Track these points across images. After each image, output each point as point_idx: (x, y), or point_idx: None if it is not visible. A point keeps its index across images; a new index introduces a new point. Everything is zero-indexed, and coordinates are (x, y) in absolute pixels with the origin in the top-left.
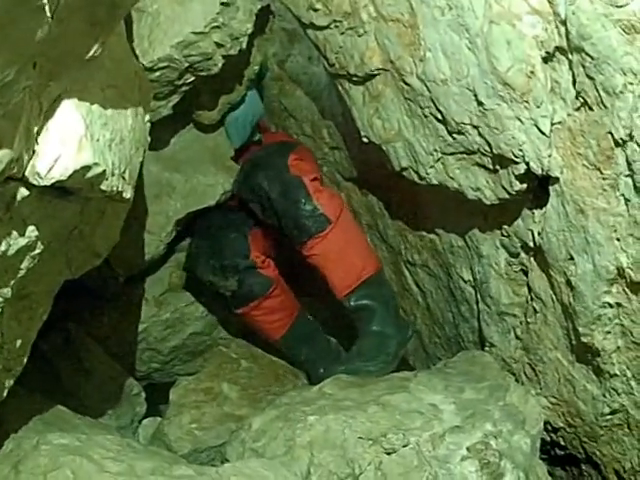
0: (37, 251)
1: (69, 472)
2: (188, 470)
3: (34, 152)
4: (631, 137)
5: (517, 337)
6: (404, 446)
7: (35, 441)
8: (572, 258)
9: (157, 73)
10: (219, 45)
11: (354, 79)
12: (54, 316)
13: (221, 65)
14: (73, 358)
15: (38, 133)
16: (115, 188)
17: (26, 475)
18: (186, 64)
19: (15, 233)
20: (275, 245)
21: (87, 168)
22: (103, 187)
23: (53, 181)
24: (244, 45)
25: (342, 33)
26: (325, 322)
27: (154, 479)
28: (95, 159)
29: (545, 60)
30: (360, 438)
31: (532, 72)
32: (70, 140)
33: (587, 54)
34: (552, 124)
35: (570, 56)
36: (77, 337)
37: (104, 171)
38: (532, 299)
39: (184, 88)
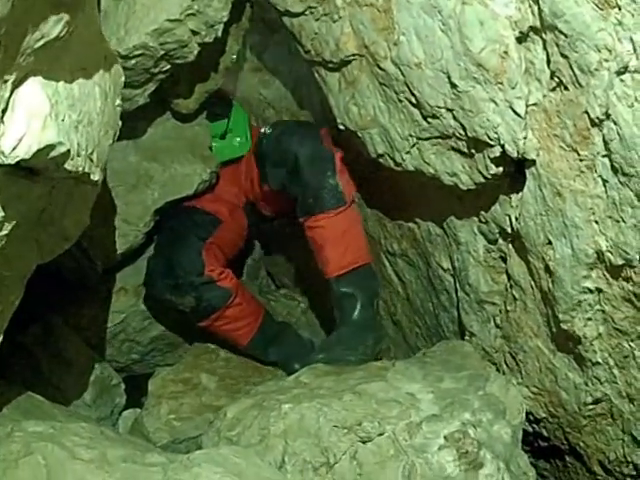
0: (4, 232)
1: (41, 458)
2: (160, 457)
3: None
4: (607, 116)
5: (497, 326)
6: (380, 435)
7: (9, 428)
8: (550, 243)
9: (133, 61)
10: (194, 33)
11: (330, 65)
12: (34, 307)
13: (197, 53)
14: (53, 349)
15: (3, 112)
16: (81, 169)
17: None
18: (161, 52)
19: None
20: (235, 250)
21: (51, 147)
22: (68, 167)
23: (17, 159)
24: (219, 33)
25: (317, 19)
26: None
27: (125, 466)
28: (59, 138)
29: (519, 40)
30: (335, 427)
31: (506, 53)
32: (35, 119)
33: (561, 32)
34: (527, 105)
35: (544, 35)
36: (57, 328)
37: (68, 151)
38: (511, 286)
39: (160, 76)
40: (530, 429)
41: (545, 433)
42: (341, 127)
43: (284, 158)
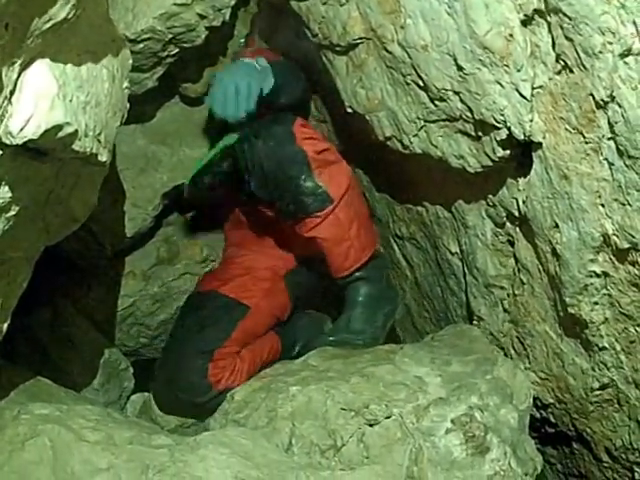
0: (12, 213)
1: (47, 440)
2: (167, 439)
3: (7, 112)
4: (612, 98)
5: (505, 310)
6: (387, 417)
7: (16, 411)
8: (557, 226)
9: (141, 45)
10: (202, 17)
11: (337, 49)
12: (42, 291)
13: (204, 37)
14: (61, 333)
15: (12, 93)
16: (89, 149)
17: (4, 443)
18: (169, 35)
19: None
20: (267, 329)
21: (59, 127)
22: (76, 147)
23: (25, 140)
24: (227, 17)
25: (324, 3)
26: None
27: (132, 448)
28: (67, 119)
29: (524, 23)
30: (342, 409)
31: (511, 35)
32: (42, 100)
33: (565, 15)
34: (533, 88)
35: (549, 18)
36: (65, 312)
37: (76, 131)
38: (519, 270)
39: (168, 60)
40: (538, 415)
41: (552, 419)
42: (349, 110)
43: (255, 167)
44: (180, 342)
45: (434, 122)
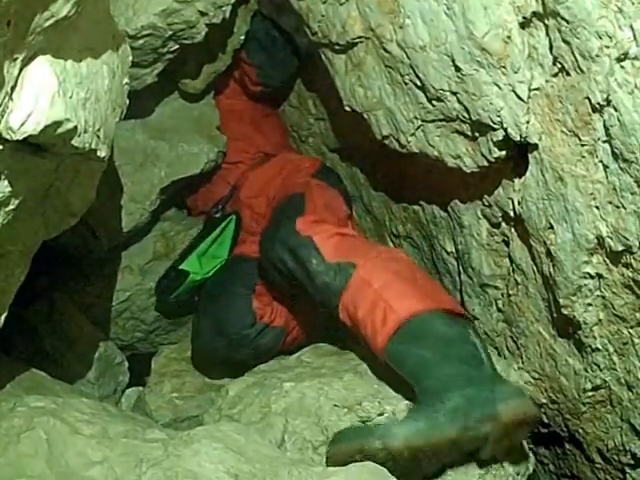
0: (11, 207)
1: (42, 433)
2: (161, 434)
3: (8, 108)
4: (608, 102)
5: (499, 310)
6: (380, 414)
7: (12, 404)
8: (552, 227)
9: (141, 41)
10: (202, 14)
11: (336, 47)
12: (38, 284)
13: (205, 34)
14: (57, 326)
15: (12, 89)
16: (88, 145)
17: (0, 436)
18: (170, 32)
19: None
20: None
21: (59, 123)
22: (76, 143)
23: (25, 135)
24: (227, 14)
25: (324, 2)
26: None
27: (126, 442)
28: (67, 115)
29: (522, 26)
30: (335, 406)
31: (509, 37)
32: (43, 96)
33: (562, 18)
34: (530, 90)
35: (546, 21)
36: (61, 305)
37: (76, 127)
38: (513, 270)
39: (168, 56)
40: None
41: (545, 419)
42: (347, 108)
43: (279, 271)
44: (220, 286)
45: (431, 122)
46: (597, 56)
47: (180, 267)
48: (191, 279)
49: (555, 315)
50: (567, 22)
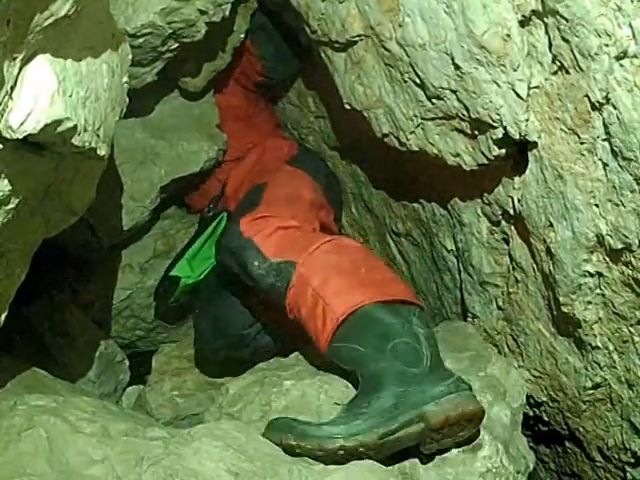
0: (11, 206)
1: (43, 432)
2: (161, 432)
3: (8, 107)
4: (607, 100)
5: (499, 308)
6: None
7: (13, 402)
8: (552, 225)
9: (141, 39)
10: (202, 12)
11: (336, 46)
12: (39, 283)
13: (204, 32)
14: (57, 325)
15: (12, 88)
16: (88, 144)
17: (1, 434)
18: (169, 30)
19: None
20: None
21: (59, 122)
22: (75, 142)
23: (25, 134)
24: (227, 12)
25: (323, 0)
26: None
27: (127, 440)
28: (67, 114)
29: (521, 24)
30: (336, 404)
31: (508, 35)
32: (43, 95)
33: (562, 16)
34: (529, 88)
35: (546, 19)
36: (62, 304)
37: (75, 126)
38: (514, 268)
39: (168, 55)
40: (531, 413)
41: (545, 417)
42: (347, 106)
43: (233, 279)
44: (217, 285)
45: (431, 120)
46: (596, 54)
47: (171, 274)
48: (183, 283)
49: (555, 313)
50: (566, 20)
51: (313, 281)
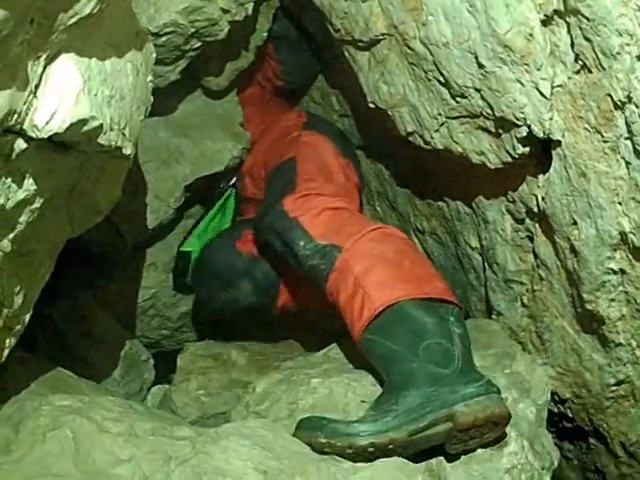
0: (36, 205)
1: (69, 432)
2: (188, 431)
3: (32, 106)
4: (629, 99)
5: (524, 305)
6: None
7: (37, 403)
8: (575, 223)
9: (163, 38)
10: (225, 11)
11: (359, 44)
12: (62, 284)
13: (227, 31)
14: (81, 325)
15: (37, 87)
16: (114, 143)
17: (25, 435)
18: (192, 29)
19: (14, 186)
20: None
21: (84, 121)
22: (101, 141)
23: (51, 133)
24: (250, 11)
25: None
26: None
27: (154, 439)
28: (92, 113)
29: (544, 23)
30: (363, 402)
31: (531, 35)
32: (68, 94)
33: (583, 16)
34: (553, 87)
35: (568, 19)
36: (85, 304)
37: (101, 125)
38: (538, 266)
39: (191, 53)
40: (555, 409)
41: (570, 414)
42: (371, 105)
43: (274, 255)
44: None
45: (455, 118)
46: (618, 54)
47: (180, 249)
48: (194, 258)
49: (579, 310)
50: (588, 20)
51: (356, 268)
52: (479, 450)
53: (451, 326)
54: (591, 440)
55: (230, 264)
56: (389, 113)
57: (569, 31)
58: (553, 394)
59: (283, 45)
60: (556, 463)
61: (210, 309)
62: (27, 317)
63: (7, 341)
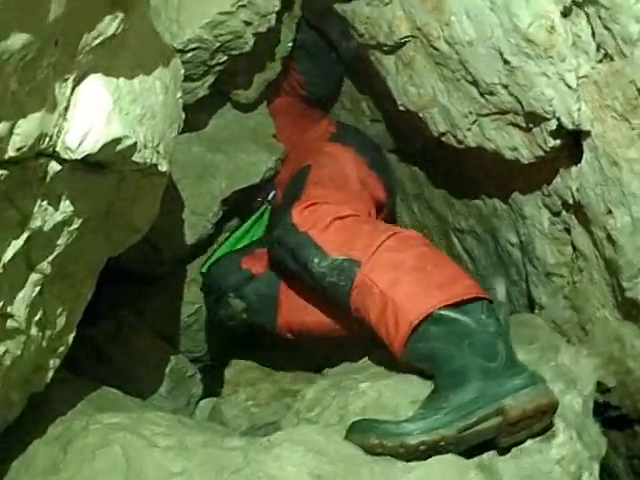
0: (74, 226)
1: (119, 448)
2: (240, 441)
3: (63, 128)
4: None
5: (565, 297)
6: None
7: (85, 422)
8: (610, 212)
9: (189, 54)
10: (247, 23)
11: (385, 48)
12: (104, 304)
13: (252, 43)
14: (125, 344)
15: (66, 109)
16: (149, 160)
17: (74, 454)
18: (217, 44)
19: (51, 209)
20: None
21: (117, 140)
22: (136, 159)
23: (84, 154)
24: (273, 22)
25: (368, 4)
26: None
27: (205, 451)
28: (125, 132)
29: (564, 15)
30: (412, 402)
31: (552, 27)
32: (99, 114)
33: (601, 5)
34: (578, 78)
35: (586, 9)
36: (128, 323)
37: (135, 143)
38: (577, 257)
39: (218, 68)
40: (600, 399)
41: (615, 402)
42: (401, 108)
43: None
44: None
45: (486, 116)
46: (637, 40)
47: (201, 270)
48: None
49: (619, 299)
50: (606, 8)
51: (380, 283)
52: (528, 442)
53: (488, 321)
54: (637, 427)
55: (224, 279)
56: (420, 115)
57: (589, 21)
58: (598, 384)
59: (302, 55)
60: (604, 452)
61: (213, 323)
62: (70, 338)
63: (51, 362)
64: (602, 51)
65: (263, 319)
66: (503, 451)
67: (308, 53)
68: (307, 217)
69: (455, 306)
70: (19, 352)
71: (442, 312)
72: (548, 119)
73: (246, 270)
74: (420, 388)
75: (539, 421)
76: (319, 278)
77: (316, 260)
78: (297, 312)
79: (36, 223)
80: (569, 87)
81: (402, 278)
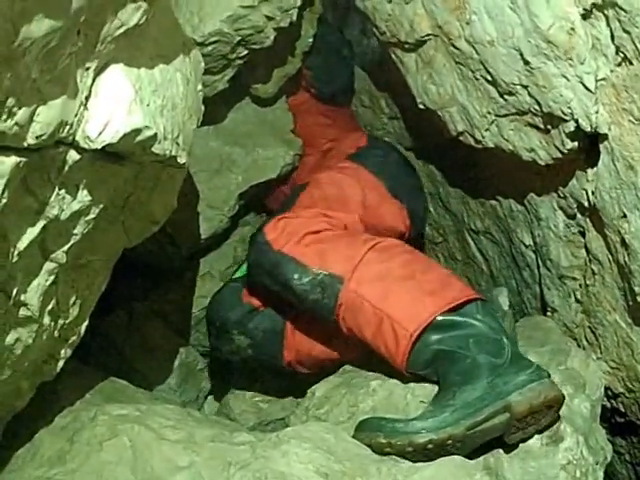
0: (91, 216)
1: (126, 440)
2: (248, 436)
3: (84, 117)
4: None
5: (577, 301)
6: None
7: (93, 413)
8: (625, 216)
9: (209, 47)
10: (269, 18)
11: (405, 46)
12: (117, 295)
13: (273, 38)
14: (136, 336)
15: (87, 98)
16: (168, 152)
17: (81, 445)
18: (238, 38)
19: (68, 197)
20: None
21: (138, 131)
22: (156, 150)
23: (104, 144)
24: (294, 17)
25: (390, 1)
26: None
27: (213, 446)
28: (146, 122)
29: (584, 17)
30: (422, 402)
31: (572, 29)
32: (120, 104)
33: (621, 8)
34: (597, 80)
35: (606, 11)
36: (140, 314)
37: (155, 134)
38: (590, 261)
39: (238, 62)
40: (608, 404)
41: (622, 409)
42: (421, 106)
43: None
44: None
45: (504, 116)
46: None
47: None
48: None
49: (631, 304)
50: (625, 12)
51: (370, 297)
52: (535, 446)
53: (486, 319)
54: None
55: (225, 315)
56: (439, 114)
57: (608, 24)
58: (606, 389)
59: (312, 50)
60: (609, 458)
61: (218, 357)
62: (83, 328)
63: (62, 352)
64: (621, 54)
65: (269, 354)
66: (509, 452)
67: (317, 48)
68: (280, 232)
69: (452, 311)
70: (31, 341)
71: (440, 318)
72: (566, 121)
73: (247, 304)
74: (431, 388)
75: (546, 416)
76: (301, 295)
77: (296, 276)
78: (304, 344)
79: (53, 212)
80: (588, 89)
81: (392, 289)
